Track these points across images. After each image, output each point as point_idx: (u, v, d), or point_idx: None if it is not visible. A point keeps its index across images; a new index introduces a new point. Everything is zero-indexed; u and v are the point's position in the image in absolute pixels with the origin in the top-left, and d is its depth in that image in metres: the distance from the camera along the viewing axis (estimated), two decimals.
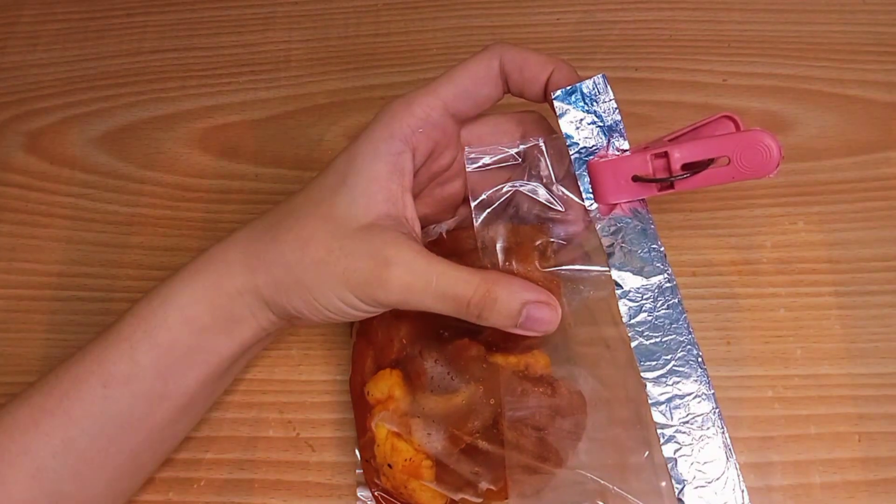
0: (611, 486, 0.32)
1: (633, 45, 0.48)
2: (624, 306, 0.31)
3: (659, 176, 0.31)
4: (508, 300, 0.30)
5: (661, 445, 0.30)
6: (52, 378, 0.31)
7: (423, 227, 0.36)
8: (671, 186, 0.31)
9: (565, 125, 0.32)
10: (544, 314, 0.30)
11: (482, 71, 0.32)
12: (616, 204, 0.32)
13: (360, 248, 0.30)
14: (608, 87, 0.32)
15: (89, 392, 0.31)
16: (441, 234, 0.35)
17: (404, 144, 0.31)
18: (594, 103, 0.32)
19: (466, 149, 0.35)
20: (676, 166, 0.31)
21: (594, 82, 0.32)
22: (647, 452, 0.33)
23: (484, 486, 0.32)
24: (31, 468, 0.30)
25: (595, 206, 0.33)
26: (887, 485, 0.35)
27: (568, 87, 0.32)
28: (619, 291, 0.31)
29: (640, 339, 0.31)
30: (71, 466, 0.30)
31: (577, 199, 0.33)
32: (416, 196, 0.35)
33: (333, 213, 0.31)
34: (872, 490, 0.35)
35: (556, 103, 0.32)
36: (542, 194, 0.33)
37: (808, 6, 0.48)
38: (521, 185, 0.34)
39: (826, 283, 0.40)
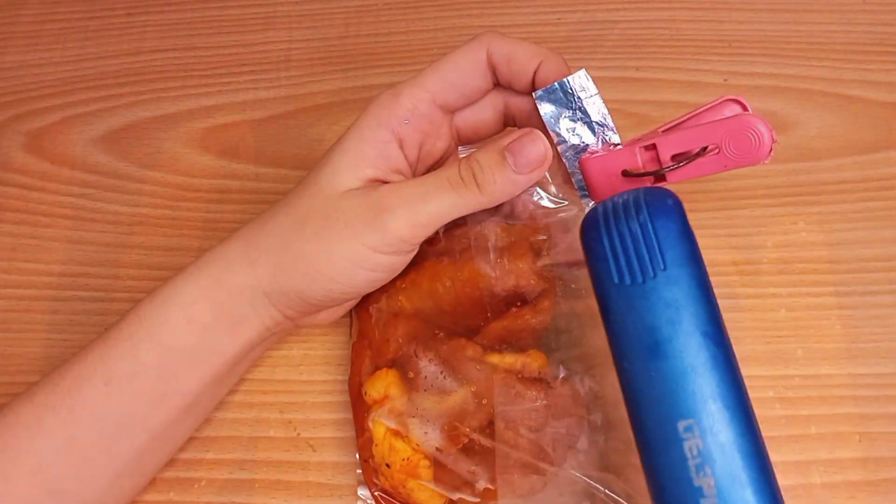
0: (600, 488, 0.32)
1: (634, 45, 0.48)
2: None
3: (649, 169, 0.30)
4: (488, 153, 0.30)
5: None
6: (56, 376, 0.31)
7: None
8: (664, 178, 0.30)
9: (551, 124, 0.32)
10: (524, 144, 0.30)
11: (468, 63, 0.32)
12: None
13: (356, 203, 0.30)
14: (590, 81, 0.31)
15: (92, 390, 0.31)
16: (438, 233, 0.35)
17: (391, 134, 0.31)
18: (578, 100, 0.31)
19: (460, 149, 0.35)
20: (666, 158, 0.30)
21: (574, 79, 0.31)
22: (637, 455, 0.32)
23: (482, 485, 0.32)
24: (34, 465, 0.30)
25: (592, 203, 0.32)
26: (888, 485, 0.35)
27: (548, 87, 0.31)
28: None
29: None
30: (73, 464, 0.30)
31: (573, 197, 0.33)
32: None
33: (323, 190, 0.31)
34: (873, 490, 0.35)
35: (538, 104, 0.31)
36: (538, 193, 0.33)
37: (808, 6, 0.48)
38: None
39: (827, 283, 0.40)
